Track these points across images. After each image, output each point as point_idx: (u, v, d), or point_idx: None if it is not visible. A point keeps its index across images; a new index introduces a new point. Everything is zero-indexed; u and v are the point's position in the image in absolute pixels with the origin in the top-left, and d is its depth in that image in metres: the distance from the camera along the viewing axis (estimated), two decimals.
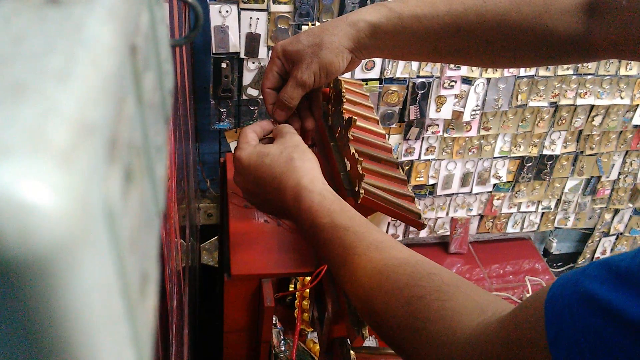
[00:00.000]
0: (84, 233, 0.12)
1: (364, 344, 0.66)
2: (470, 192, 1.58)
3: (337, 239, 0.52)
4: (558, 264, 1.91)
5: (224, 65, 1.20)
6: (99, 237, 0.14)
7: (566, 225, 1.76)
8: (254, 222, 1.05)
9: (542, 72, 1.39)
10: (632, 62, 1.43)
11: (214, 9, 1.13)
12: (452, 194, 1.57)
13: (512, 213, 1.67)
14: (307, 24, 1.12)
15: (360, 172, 0.63)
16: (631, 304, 0.28)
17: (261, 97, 1.09)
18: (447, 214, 1.61)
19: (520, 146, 1.52)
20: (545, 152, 1.55)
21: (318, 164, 0.59)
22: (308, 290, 1.05)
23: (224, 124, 1.29)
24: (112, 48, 0.17)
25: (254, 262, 0.96)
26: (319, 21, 1.19)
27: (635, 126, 1.58)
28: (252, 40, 1.18)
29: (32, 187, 0.11)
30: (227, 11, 1.14)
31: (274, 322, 1.11)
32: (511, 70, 1.36)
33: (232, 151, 1.25)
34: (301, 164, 0.58)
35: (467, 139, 1.47)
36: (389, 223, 1.57)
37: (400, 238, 1.63)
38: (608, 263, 0.31)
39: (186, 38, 0.39)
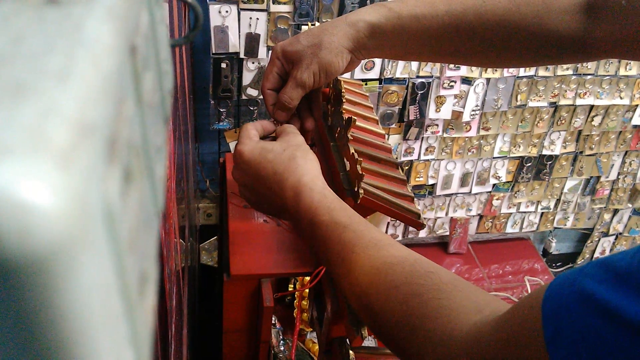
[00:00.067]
0: (83, 233, 0.12)
1: (363, 344, 0.66)
2: (470, 192, 1.58)
3: (335, 236, 0.52)
4: (557, 264, 1.91)
5: (223, 65, 1.20)
6: (98, 237, 0.14)
7: (565, 225, 1.76)
8: (253, 222, 1.05)
9: (542, 72, 1.39)
10: (632, 62, 1.43)
11: (213, 9, 1.13)
12: (452, 194, 1.57)
13: (511, 213, 1.67)
14: (307, 24, 1.12)
15: (360, 172, 0.63)
16: (629, 303, 0.28)
17: (261, 97, 1.09)
18: (447, 214, 1.61)
19: (519, 146, 1.52)
20: (544, 152, 1.55)
21: (319, 165, 0.60)
22: (307, 291, 1.05)
23: (223, 124, 1.29)
24: (112, 48, 0.17)
25: (253, 262, 0.96)
26: (318, 21, 1.19)
27: (635, 126, 1.58)
28: (251, 41, 1.18)
29: (32, 187, 0.11)
30: (226, 11, 1.14)
31: (273, 322, 1.11)
32: (511, 70, 1.36)
33: (232, 151, 1.25)
34: (303, 163, 0.58)
35: (466, 139, 1.47)
36: (388, 223, 1.57)
37: (400, 238, 1.63)
38: (606, 262, 0.31)
39: (186, 38, 0.39)
